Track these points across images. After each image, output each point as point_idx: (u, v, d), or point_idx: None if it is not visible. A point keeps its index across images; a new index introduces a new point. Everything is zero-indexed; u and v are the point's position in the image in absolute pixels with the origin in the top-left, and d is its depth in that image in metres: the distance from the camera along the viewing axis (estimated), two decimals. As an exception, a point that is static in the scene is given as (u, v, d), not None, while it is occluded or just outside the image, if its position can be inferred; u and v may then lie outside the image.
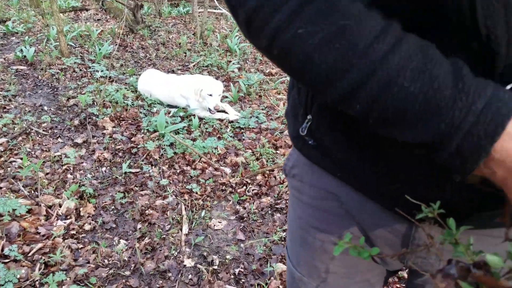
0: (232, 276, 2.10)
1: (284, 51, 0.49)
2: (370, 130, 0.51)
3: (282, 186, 2.81)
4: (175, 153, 3.16)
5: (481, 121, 0.43)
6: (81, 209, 2.50)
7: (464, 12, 0.45)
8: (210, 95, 3.69)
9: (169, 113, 3.82)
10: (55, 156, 3.02)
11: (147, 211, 2.53)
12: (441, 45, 0.47)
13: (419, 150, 0.48)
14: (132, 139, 3.35)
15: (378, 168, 0.64)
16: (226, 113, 3.85)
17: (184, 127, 3.59)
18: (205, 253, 2.23)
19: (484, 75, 0.46)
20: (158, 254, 2.20)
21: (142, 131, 3.48)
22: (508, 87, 0.48)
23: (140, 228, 2.39)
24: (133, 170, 2.94)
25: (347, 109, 0.50)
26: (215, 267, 2.14)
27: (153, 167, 3.00)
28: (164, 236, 2.34)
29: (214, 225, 2.46)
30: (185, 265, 2.15)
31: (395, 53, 0.45)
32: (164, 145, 3.25)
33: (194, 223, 2.45)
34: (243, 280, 2.08)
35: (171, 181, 2.84)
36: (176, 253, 2.22)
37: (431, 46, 0.47)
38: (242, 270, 2.15)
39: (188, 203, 2.63)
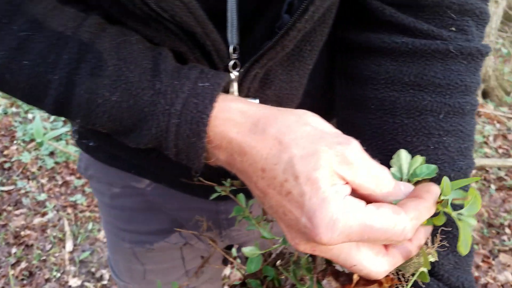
0: (122, 290, 1.97)
1: None
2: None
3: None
4: (56, 162, 2.90)
5: (184, 122, 0.43)
6: None
7: None
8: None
9: (49, 118, 3.50)
10: None
11: (22, 232, 2.28)
12: (157, 34, 0.46)
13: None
14: (5, 153, 3.01)
15: (161, 159, 0.63)
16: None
17: (67, 131, 3.31)
18: (93, 269, 2.08)
19: (212, 62, 0.47)
20: (37, 279, 2.00)
21: (17, 142, 3.15)
22: (233, 75, 0.50)
23: (15, 253, 2.15)
24: (6, 188, 2.64)
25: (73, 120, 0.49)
26: (105, 283, 2.00)
27: (30, 181, 2.72)
28: (44, 257, 2.13)
29: (104, 237, 2.29)
30: (70, 286, 1.98)
31: (87, 60, 0.44)
32: (43, 155, 2.97)
33: (79, 238, 2.27)
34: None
35: (51, 195, 2.60)
36: (59, 274, 2.04)
37: (129, 41, 0.45)
38: (133, 282, 2.02)
39: (72, 217, 2.43)
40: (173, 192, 0.73)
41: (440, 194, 0.42)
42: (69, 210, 2.48)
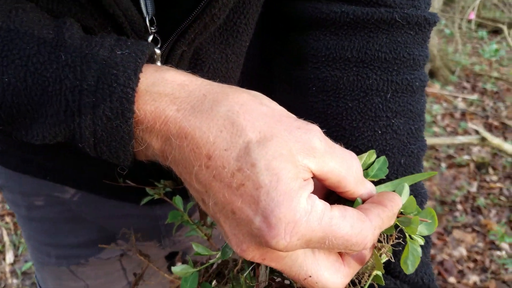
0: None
1: None
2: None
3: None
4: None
5: (101, 99, 0.34)
6: None
7: None
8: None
9: None
10: None
11: (-45, 248, 2.09)
12: (60, 6, 0.39)
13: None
14: None
15: (81, 163, 0.57)
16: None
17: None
18: (37, 281, 1.93)
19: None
20: (-26, 297, 1.83)
21: None
22: (149, 38, 0.43)
23: None
24: None
25: None
26: (51, 294, 1.86)
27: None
28: (-19, 273, 1.96)
29: (48, 245, 2.14)
30: (12, 301, 1.83)
31: None
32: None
33: (21, 248, 2.11)
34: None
35: (-13, 204, 2.40)
36: (-1, 289, 1.88)
37: (22, 8, 0.37)
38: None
39: (11, 226, 2.25)
40: (97, 202, 0.66)
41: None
42: (7, 219, 2.30)
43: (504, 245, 2.21)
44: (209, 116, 0.33)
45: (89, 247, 0.73)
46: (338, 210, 0.33)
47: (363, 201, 0.39)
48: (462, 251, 2.23)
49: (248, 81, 0.56)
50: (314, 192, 0.34)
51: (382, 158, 0.43)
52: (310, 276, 0.35)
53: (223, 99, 0.34)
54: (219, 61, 0.50)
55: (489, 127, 3.16)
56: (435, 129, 3.24)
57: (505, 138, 2.97)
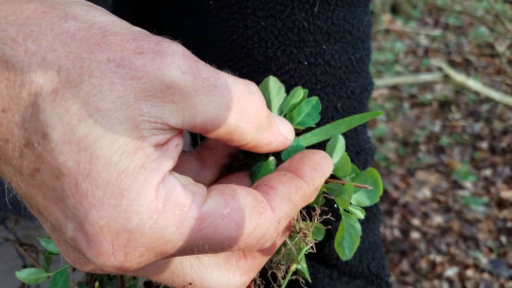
0: None
1: None
2: None
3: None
4: None
5: None
6: None
7: None
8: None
9: None
10: None
11: None
12: None
13: None
14: None
15: None
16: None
17: None
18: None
19: None
20: None
21: None
22: None
23: None
24: None
25: None
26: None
27: None
28: None
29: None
30: None
31: None
32: None
33: None
34: None
35: None
36: None
37: None
38: None
39: None
40: None
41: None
42: None
43: (467, 184, 2.17)
44: None
45: None
46: (218, 199, 0.23)
47: (279, 156, 0.30)
48: (425, 192, 2.19)
49: (131, 4, 0.41)
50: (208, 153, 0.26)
51: (314, 99, 0.33)
52: (191, 284, 0.27)
53: None
54: None
55: (452, 64, 3.07)
56: (398, 68, 3.13)
57: (468, 75, 2.89)
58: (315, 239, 0.33)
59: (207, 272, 0.27)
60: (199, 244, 0.23)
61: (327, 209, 0.35)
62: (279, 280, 0.32)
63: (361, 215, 0.31)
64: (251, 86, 0.26)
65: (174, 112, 0.22)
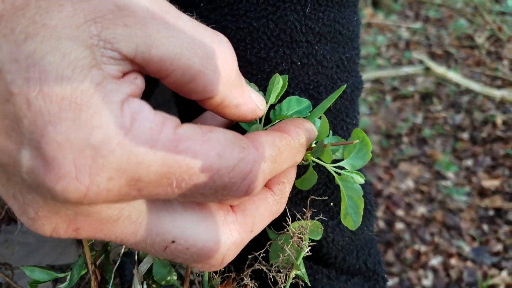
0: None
1: None
2: None
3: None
4: None
5: None
6: None
7: None
8: None
9: None
10: None
11: None
12: None
13: None
14: None
15: None
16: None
17: None
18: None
19: None
20: None
21: None
22: None
23: None
24: None
25: None
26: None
27: None
28: None
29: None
30: None
31: None
32: None
33: None
34: None
35: None
36: None
37: None
38: None
39: None
40: None
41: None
42: None
43: (450, 174, 2.20)
44: None
45: None
46: (194, 127, 0.21)
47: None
48: (409, 183, 2.21)
49: None
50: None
51: (307, 102, 0.33)
52: (173, 241, 0.23)
53: None
54: None
55: (433, 56, 3.11)
56: (380, 61, 3.15)
57: (449, 66, 2.93)
58: (313, 239, 0.33)
59: (191, 227, 0.23)
60: (177, 174, 0.20)
61: (321, 208, 0.35)
62: (278, 286, 0.32)
63: (360, 179, 0.29)
64: (220, 35, 0.24)
65: (126, 37, 0.20)
